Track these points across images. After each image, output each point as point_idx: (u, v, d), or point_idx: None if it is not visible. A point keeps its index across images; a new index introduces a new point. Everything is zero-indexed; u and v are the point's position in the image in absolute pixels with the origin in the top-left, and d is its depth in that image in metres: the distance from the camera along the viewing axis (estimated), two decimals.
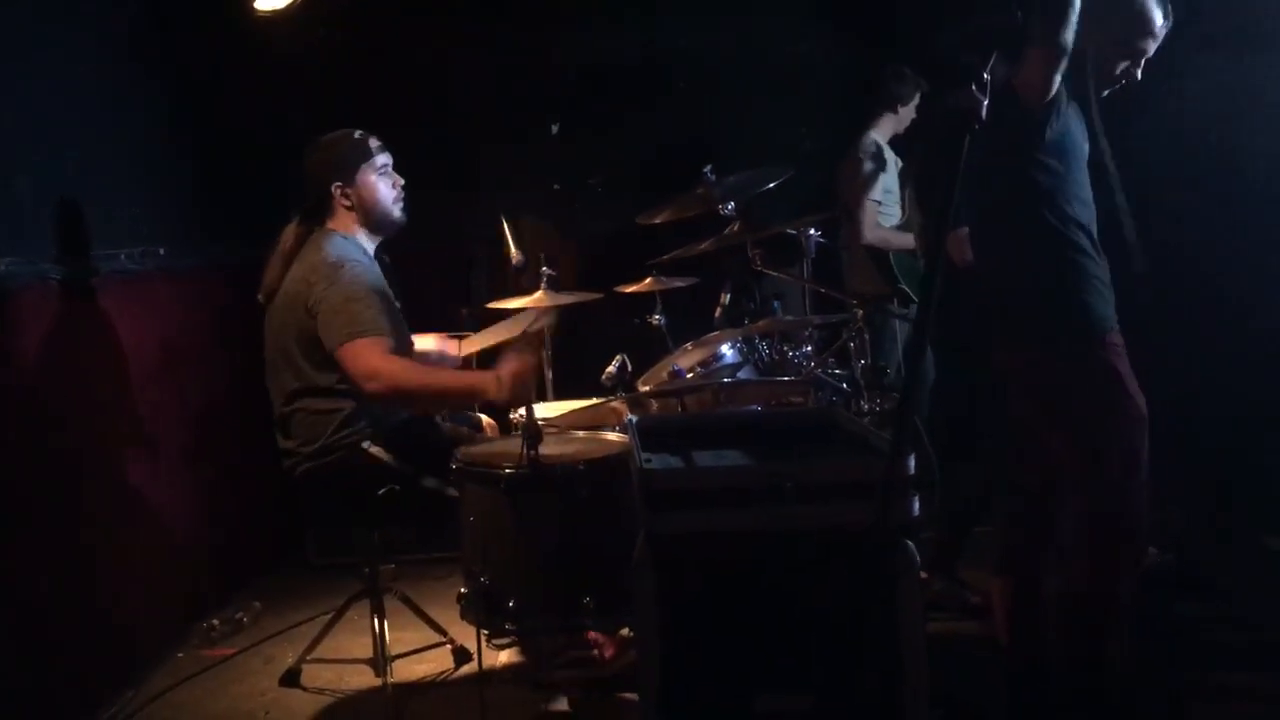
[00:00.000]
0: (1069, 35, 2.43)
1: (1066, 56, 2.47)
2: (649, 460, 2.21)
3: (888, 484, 1.59)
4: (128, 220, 3.65)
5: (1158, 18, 2.67)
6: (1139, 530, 2.65)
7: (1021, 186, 2.64)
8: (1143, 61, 2.72)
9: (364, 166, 3.24)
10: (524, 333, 3.34)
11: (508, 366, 2.97)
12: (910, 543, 1.62)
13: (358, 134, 3.28)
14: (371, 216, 3.26)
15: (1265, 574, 3.97)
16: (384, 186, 3.27)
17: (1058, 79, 2.51)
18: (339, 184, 3.22)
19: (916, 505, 2.03)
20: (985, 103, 1.57)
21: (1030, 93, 2.52)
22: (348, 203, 3.23)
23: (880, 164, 4.47)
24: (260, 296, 3.30)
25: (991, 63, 1.56)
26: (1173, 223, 4.50)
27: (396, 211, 3.31)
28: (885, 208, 4.50)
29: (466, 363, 3.71)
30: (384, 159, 3.28)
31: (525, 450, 2.76)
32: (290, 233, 3.28)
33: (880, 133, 4.55)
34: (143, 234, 3.72)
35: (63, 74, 3.35)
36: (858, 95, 4.76)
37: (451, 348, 3.66)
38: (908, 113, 4.58)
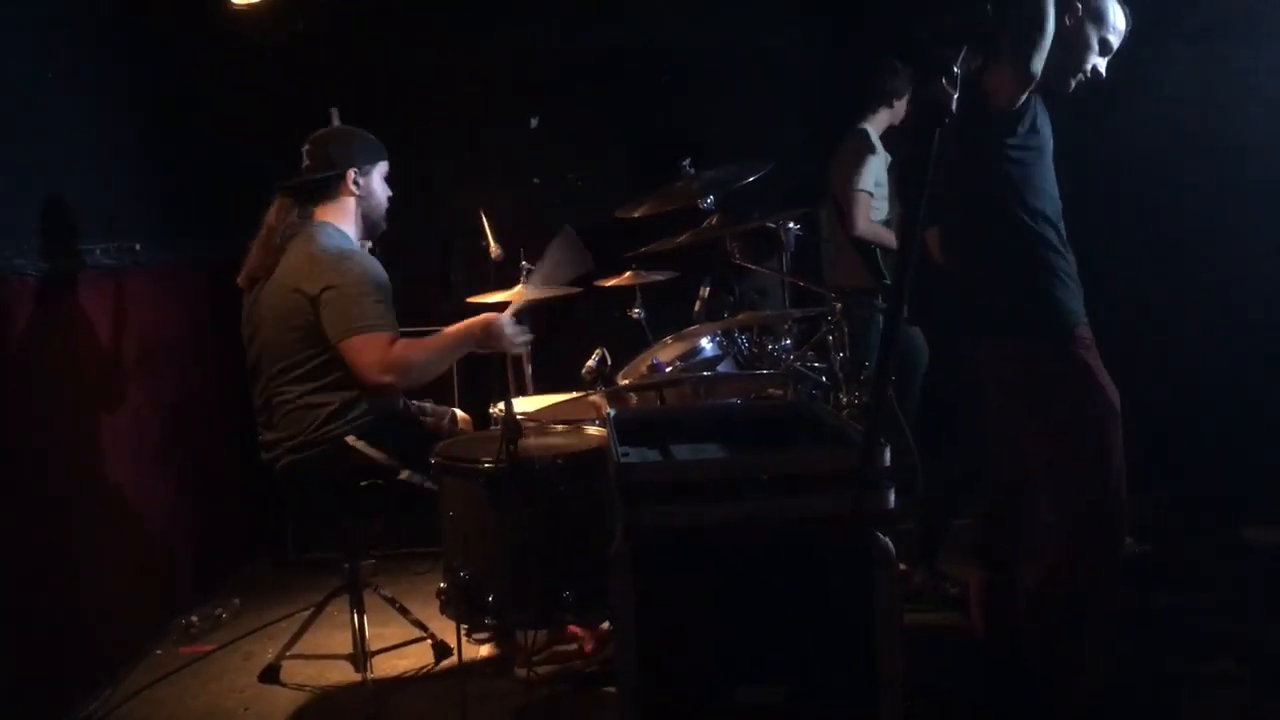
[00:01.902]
0: (1040, 63, 2.48)
1: (1037, 80, 2.51)
2: (626, 454, 2.21)
3: (861, 476, 1.59)
4: (104, 215, 3.63)
5: (1121, 13, 2.72)
6: (1116, 521, 2.67)
7: (991, 181, 2.65)
8: (1107, 58, 2.74)
9: (379, 165, 3.35)
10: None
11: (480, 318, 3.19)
12: (881, 535, 1.61)
13: (372, 137, 3.38)
14: (370, 214, 3.35)
15: (1241, 564, 4.00)
16: (384, 191, 3.38)
17: (1027, 95, 2.55)
18: (355, 170, 3.28)
19: (892, 497, 2.03)
20: (956, 96, 1.58)
21: (1001, 102, 2.57)
22: (358, 191, 3.30)
23: (872, 155, 4.45)
24: (240, 281, 3.29)
25: (962, 57, 1.56)
26: (1150, 214, 4.55)
27: (384, 218, 3.41)
28: (876, 200, 4.49)
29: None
30: (387, 167, 3.39)
31: (504, 445, 2.76)
32: (274, 212, 3.27)
33: (873, 126, 4.52)
34: (119, 229, 3.69)
35: (37, 69, 3.32)
36: (839, 88, 4.76)
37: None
38: (902, 107, 4.56)
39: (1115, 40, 2.72)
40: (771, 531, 2.01)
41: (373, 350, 3.03)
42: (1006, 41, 2.52)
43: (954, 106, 1.58)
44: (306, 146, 3.30)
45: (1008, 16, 2.46)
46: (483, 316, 3.20)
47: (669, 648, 2.02)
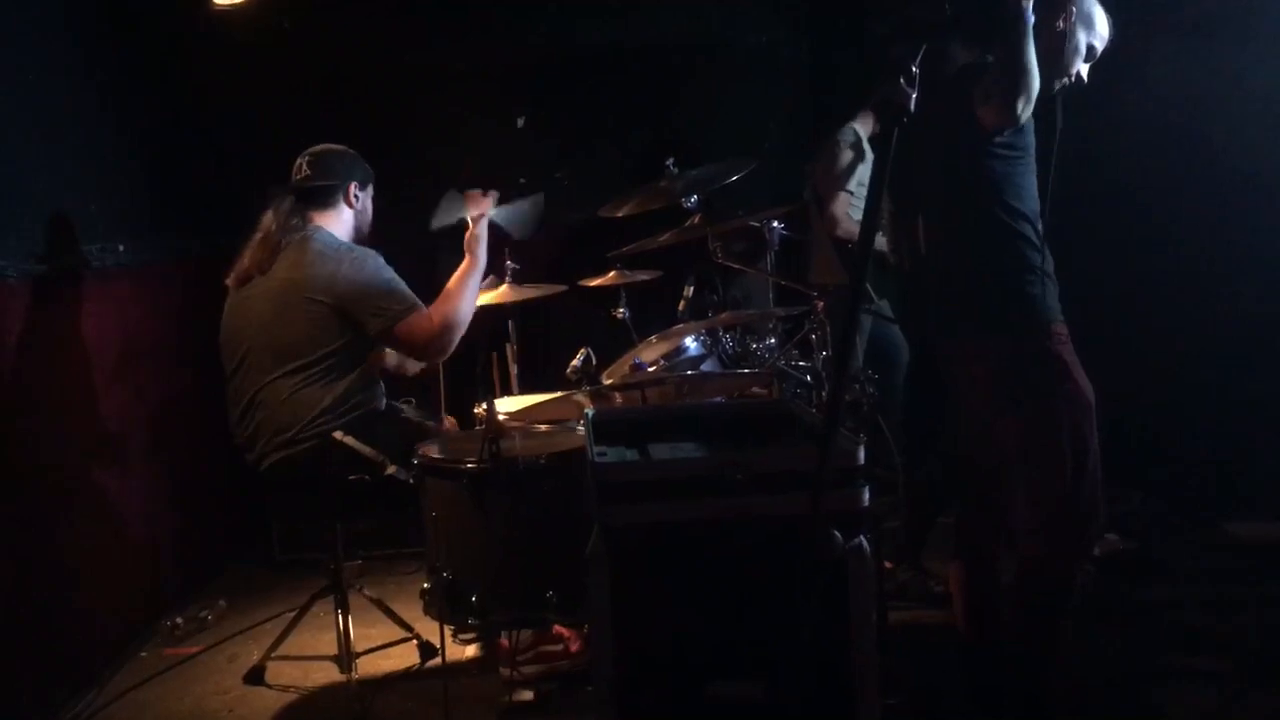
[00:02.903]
0: (1027, 110, 2.54)
1: (1021, 124, 2.58)
2: (603, 453, 2.22)
3: (818, 475, 1.59)
4: (87, 216, 3.62)
5: (1107, 21, 2.76)
6: (1090, 515, 2.68)
7: (974, 178, 2.67)
8: (1089, 64, 2.79)
9: (370, 185, 3.45)
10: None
11: (467, 243, 3.39)
12: (837, 533, 1.61)
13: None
14: (362, 227, 3.43)
15: (1226, 559, 4.01)
16: (371, 211, 3.48)
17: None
18: (357, 183, 3.38)
19: (867, 495, 2.04)
20: (914, 96, 1.59)
21: (985, 125, 2.61)
22: (357, 204, 3.39)
23: (859, 156, 4.43)
24: (230, 280, 3.30)
25: (920, 56, 1.57)
26: (1137, 211, 4.56)
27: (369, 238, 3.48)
28: (857, 200, 4.48)
29: None
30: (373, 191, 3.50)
31: (486, 445, 2.76)
32: (271, 214, 3.29)
33: (862, 125, 4.51)
34: (102, 230, 3.69)
35: (18, 70, 3.31)
36: (824, 88, 4.77)
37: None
38: None
39: (1100, 47, 2.77)
40: (746, 529, 2.02)
41: (422, 327, 3.17)
42: (992, 82, 2.57)
43: (912, 106, 1.59)
44: (305, 158, 3.35)
45: (996, 65, 2.55)
46: (471, 242, 3.38)
47: (645, 645, 2.02)
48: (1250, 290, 4.32)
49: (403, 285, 3.21)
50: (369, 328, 3.16)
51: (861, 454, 2.05)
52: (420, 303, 3.20)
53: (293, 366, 3.15)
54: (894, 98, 1.55)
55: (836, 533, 1.63)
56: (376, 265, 3.22)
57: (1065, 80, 2.76)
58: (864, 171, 4.45)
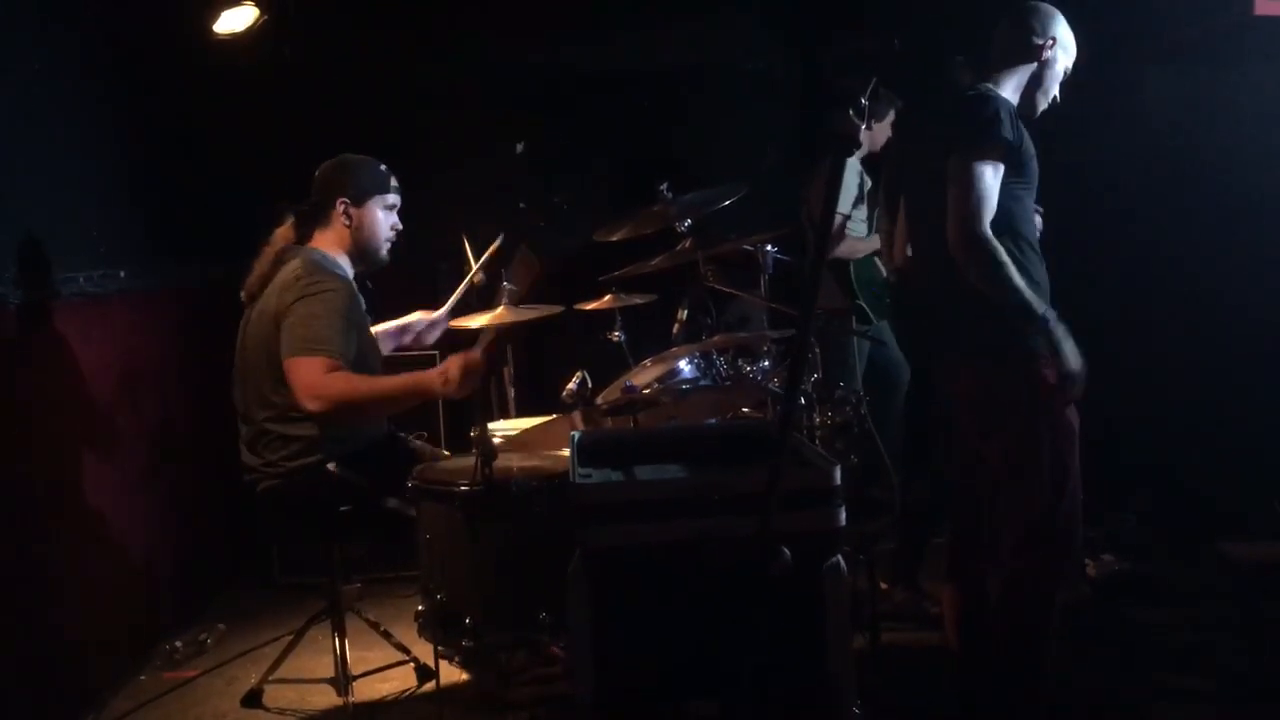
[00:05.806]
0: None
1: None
2: (587, 475, 2.24)
3: (770, 492, 1.61)
4: (87, 243, 3.65)
5: (1073, 38, 2.83)
6: (1068, 537, 2.69)
7: None
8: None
9: (377, 196, 3.30)
10: (479, 329, 3.33)
11: (455, 361, 3.01)
12: (785, 550, 1.63)
13: (383, 166, 3.34)
14: (362, 245, 3.30)
15: (1221, 579, 4.01)
16: (385, 223, 3.32)
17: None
18: (345, 200, 3.25)
19: (843, 515, 2.05)
20: (863, 127, 1.61)
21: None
22: (347, 221, 3.27)
23: (852, 177, 4.46)
24: (242, 295, 3.31)
25: (870, 89, 1.59)
26: (1128, 234, 4.58)
27: (384, 250, 3.36)
28: (852, 223, 4.51)
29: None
30: (396, 199, 3.34)
31: (479, 468, 2.78)
32: (281, 235, 3.29)
33: None
34: (103, 256, 3.73)
35: (19, 96, 3.36)
36: (818, 111, 4.79)
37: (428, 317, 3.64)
38: (882, 129, 4.58)
39: (1071, 64, 2.84)
40: (723, 549, 2.03)
41: (307, 373, 2.96)
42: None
43: (860, 138, 1.62)
44: (316, 171, 3.31)
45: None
46: (442, 367, 3.06)
47: (625, 664, 2.04)
48: (1244, 311, 4.33)
49: (330, 330, 3.01)
50: (280, 352, 3.04)
51: (837, 474, 2.06)
52: (333, 356, 2.98)
53: (276, 409, 3.12)
54: (843, 129, 1.58)
55: (785, 549, 1.64)
56: (325, 294, 3.07)
57: (1047, 104, 2.81)
58: (856, 194, 4.49)
